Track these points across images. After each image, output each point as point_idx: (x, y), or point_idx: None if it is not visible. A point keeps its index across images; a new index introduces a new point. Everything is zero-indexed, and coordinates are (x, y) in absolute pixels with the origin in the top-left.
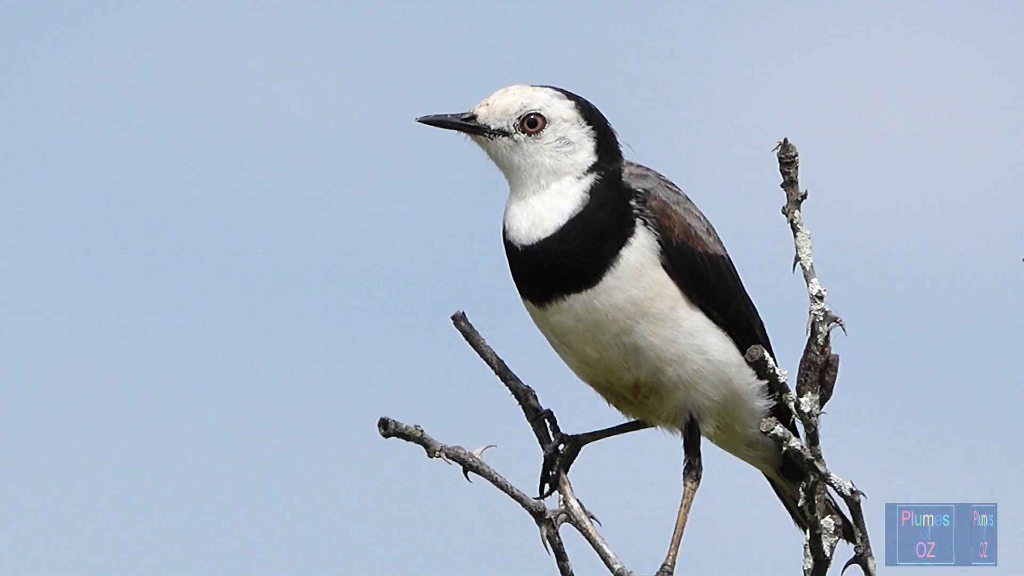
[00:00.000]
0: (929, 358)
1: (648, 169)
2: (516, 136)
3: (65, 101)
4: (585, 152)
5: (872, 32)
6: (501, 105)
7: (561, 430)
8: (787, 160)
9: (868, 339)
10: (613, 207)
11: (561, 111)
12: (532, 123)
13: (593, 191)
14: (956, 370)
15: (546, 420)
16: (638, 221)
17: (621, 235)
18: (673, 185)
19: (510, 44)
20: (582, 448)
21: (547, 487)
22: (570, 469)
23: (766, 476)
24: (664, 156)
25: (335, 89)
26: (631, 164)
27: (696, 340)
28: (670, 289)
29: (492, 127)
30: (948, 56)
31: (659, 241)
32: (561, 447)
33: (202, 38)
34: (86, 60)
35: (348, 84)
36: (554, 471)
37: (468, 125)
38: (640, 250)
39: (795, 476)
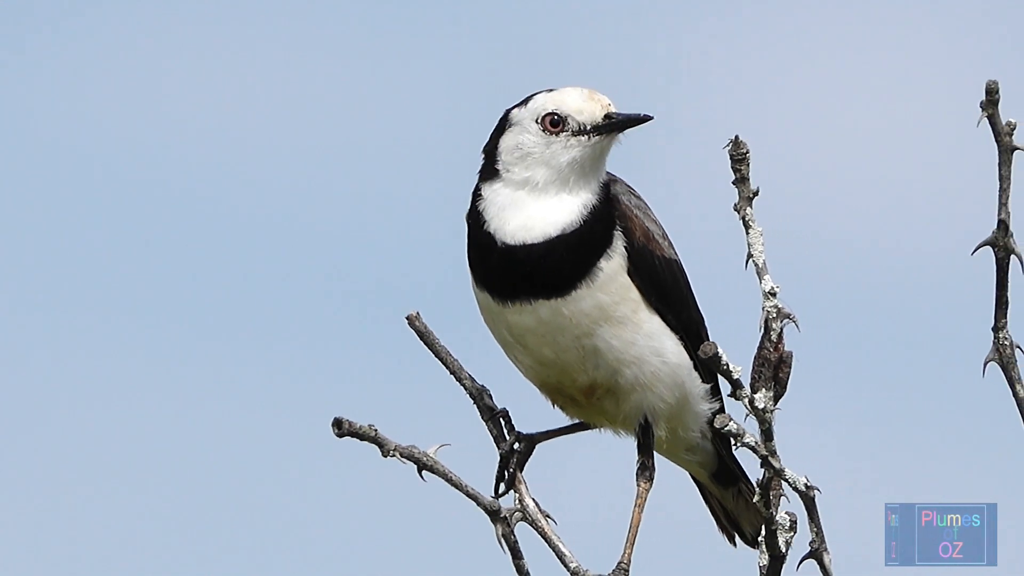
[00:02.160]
0: (880, 353)
1: (610, 173)
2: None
3: (46, 101)
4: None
5: (823, 29)
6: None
7: (516, 429)
8: (738, 157)
9: (822, 336)
10: (603, 224)
11: None
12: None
13: (594, 209)
14: (907, 367)
15: (501, 419)
16: (615, 230)
17: (603, 248)
18: (633, 189)
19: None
20: (537, 446)
21: (503, 486)
22: (525, 467)
23: (697, 481)
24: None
25: (295, 92)
26: None
27: (654, 343)
28: (633, 293)
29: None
30: (898, 52)
31: (625, 246)
32: (517, 445)
33: (162, 39)
34: (66, 61)
35: (308, 88)
36: (510, 469)
37: (640, 118)
38: (616, 258)
39: (727, 482)
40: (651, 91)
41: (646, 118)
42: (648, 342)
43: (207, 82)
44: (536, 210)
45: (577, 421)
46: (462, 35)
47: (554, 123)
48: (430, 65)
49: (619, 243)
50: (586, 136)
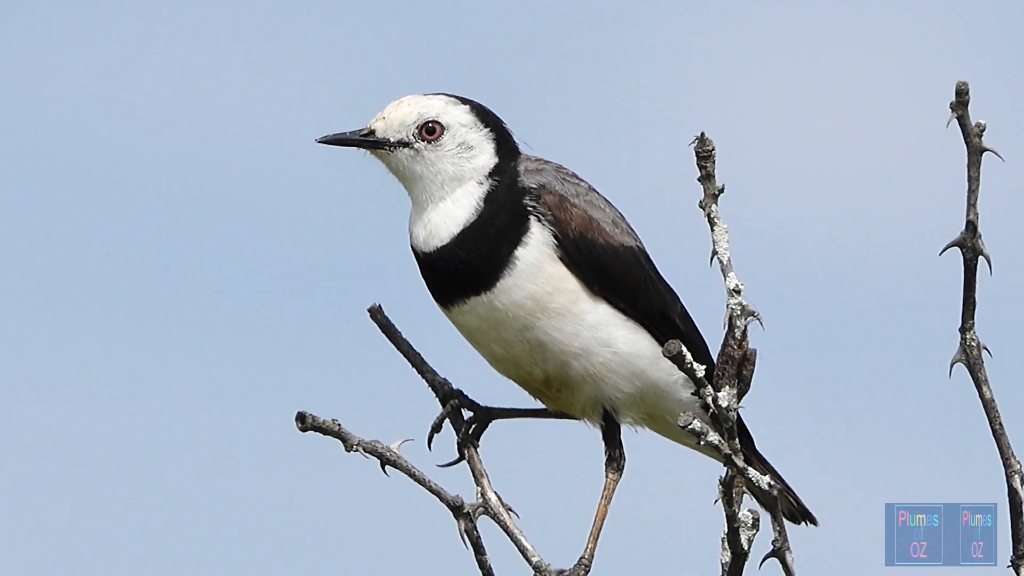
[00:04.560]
0: (845, 353)
1: (547, 162)
2: (416, 145)
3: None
4: (486, 155)
5: (792, 29)
6: (398, 117)
7: (474, 402)
8: (704, 154)
9: (787, 334)
10: (509, 210)
11: (458, 116)
12: (431, 131)
13: (489, 197)
14: (872, 367)
15: (455, 402)
16: (532, 218)
17: (516, 236)
18: (575, 177)
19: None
20: (492, 422)
21: (455, 457)
22: (480, 438)
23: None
24: (586, 151)
25: (253, 85)
26: (529, 159)
27: (600, 333)
28: (569, 283)
29: (392, 140)
30: (867, 52)
31: (555, 236)
32: (453, 402)
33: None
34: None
35: (265, 80)
36: (460, 435)
37: (368, 140)
38: (536, 247)
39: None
40: (617, 88)
41: (362, 140)
42: (593, 333)
43: (161, 74)
44: (433, 217)
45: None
46: (437, 30)
47: None
48: (401, 58)
49: (539, 232)
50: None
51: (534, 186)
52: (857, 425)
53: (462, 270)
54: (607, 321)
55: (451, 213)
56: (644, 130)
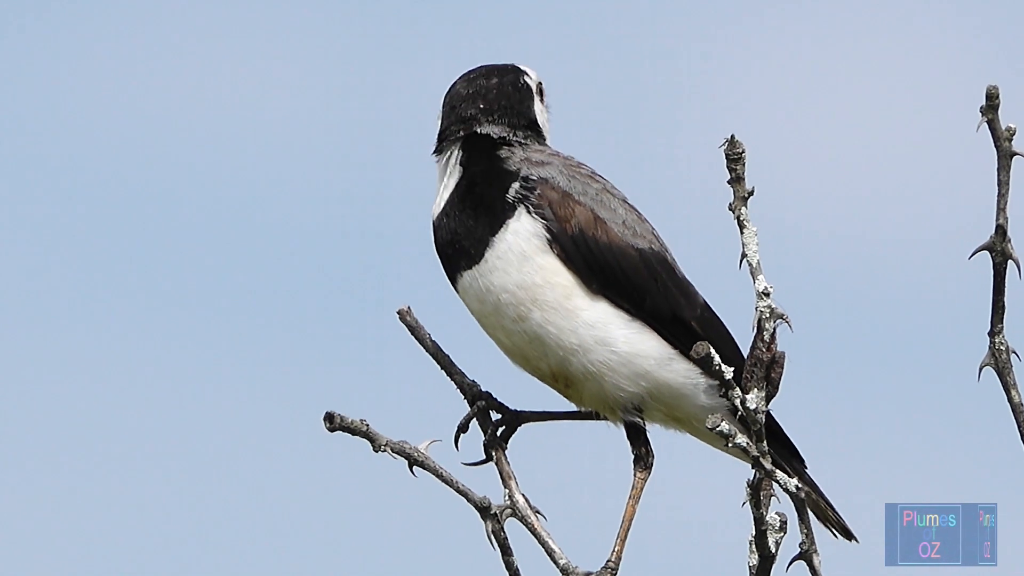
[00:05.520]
0: (875, 357)
1: (557, 155)
2: None
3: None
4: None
5: (823, 32)
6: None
7: (503, 405)
8: (734, 157)
9: (816, 337)
10: (496, 187)
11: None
12: None
13: (484, 170)
14: (902, 370)
15: (483, 403)
16: (521, 207)
17: (499, 215)
18: (592, 175)
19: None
20: (522, 425)
21: (484, 455)
22: (508, 441)
23: None
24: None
25: (281, 81)
26: (541, 149)
27: (598, 332)
28: (561, 277)
29: None
30: (898, 56)
31: (548, 229)
32: (480, 404)
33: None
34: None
35: (298, 77)
36: (487, 436)
37: None
38: (523, 235)
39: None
40: (647, 90)
41: None
42: (590, 331)
43: (188, 79)
44: (442, 188)
45: (584, 410)
46: (452, 29)
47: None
48: (426, 56)
49: (528, 222)
50: None
51: (533, 177)
52: (882, 428)
53: (448, 239)
54: (606, 320)
55: (449, 181)
56: (675, 132)
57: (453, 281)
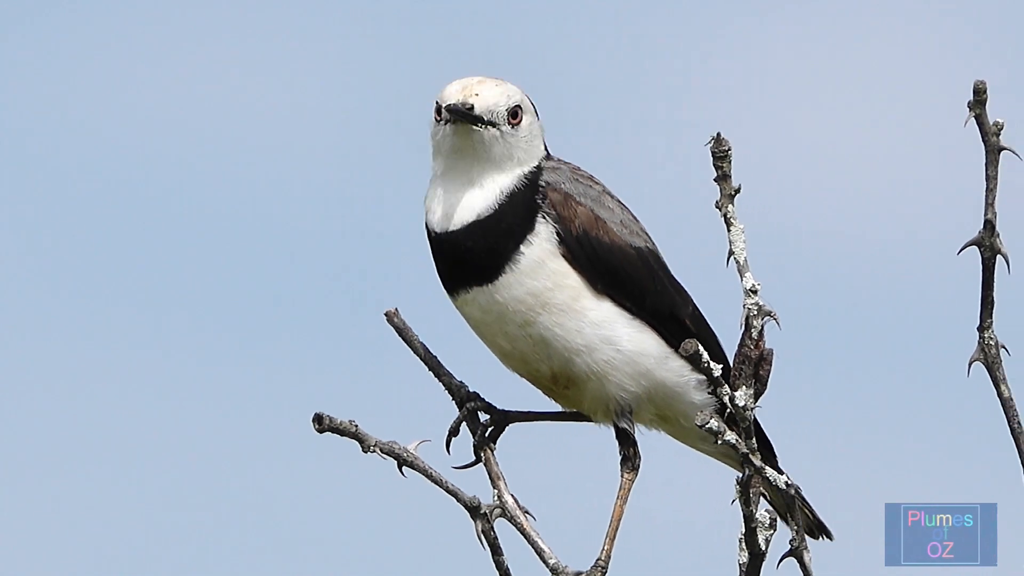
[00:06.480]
0: (863, 353)
1: (564, 163)
2: (503, 128)
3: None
4: (540, 144)
5: (810, 27)
6: (492, 97)
7: (491, 405)
8: (720, 154)
9: (804, 334)
10: (523, 207)
11: (529, 105)
12: (514, 115)
13: (514, 190)
14: (890, 366)
15: (471, 404)
16: (538, 215)
17: (523, 233)
18: (590, 179)
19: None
20: (510, 425)
21: (472, 459)
22: (497, 441)
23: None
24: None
25: (267, 85)
26: (551, 158)
27: (604, 331)
28: (571, 279)
29: (485, 118)
30: (884, 50)
31: (558, 232)
32: (471, 405)
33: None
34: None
35: (283, 80)
36: (476, 438)
37: (471, 115)
38: (539, 244)
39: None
40: (633, 89)
41: (466, 113)
42: (596, 330)
43: (178, 80)
44: (456, 199)
45: (570, 411)
46: (439, 29)
47: (437, 111)
48: (412, 58)
49: (544, 229)
50: (445, 124)
51: (542, 183)
52: (872, 424)
53: (467, 259)
54: (611, 319)
55: (473, 201)
56: (661, 129)
57: (453, 291)
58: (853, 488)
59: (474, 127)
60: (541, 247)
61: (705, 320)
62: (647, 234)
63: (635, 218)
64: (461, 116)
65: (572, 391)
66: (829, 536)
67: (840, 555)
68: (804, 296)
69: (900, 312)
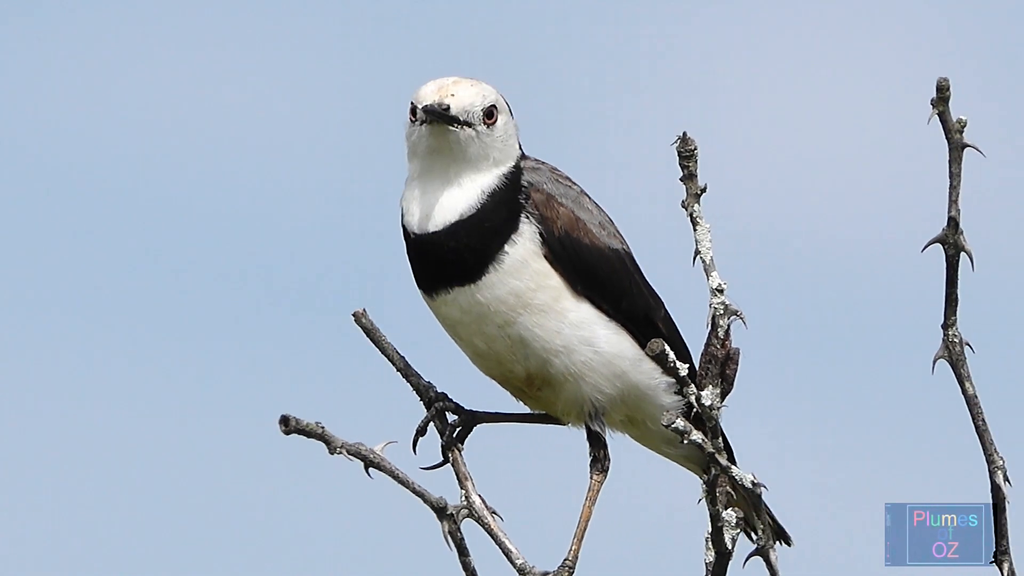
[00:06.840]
0: (827, 351)
1: (543, 163)
2: (479, 128)
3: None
4: (515, 143)
5: (772, 25)
6: (468, 97)
7: (459, 405)
8: (686, 154)
9: (770, 333)
10: (506, 208)
11: (504, 104)
12: (489, 115)
13: (495, 191)
14: (854, 364)
15: (439, 404)
16: (522, 215)
17: (507, 233)
18: (568, 180)
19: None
20: (478, 426)
21: (439, 460)
22: (464, 441)
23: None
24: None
25: (238, 86)
26: (528, 158)
27: (583, 332)
28: (552, 280)
29: (460, 118)
30: (848, 49)
31: (540, 233)
32: (438, 406)
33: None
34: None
35: (254, 83)
36: (444, 439)
37: (447, 115)
38: (523, 244)
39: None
40: (602, 87)
41: (443, 114)
42: (575, 331)
43: (153, 80)
44: (435, 200)
45: (538, 412)
46: (414, 30)
47: (412, 112)
48: (381, 59)
49: (528, 229)
50: (421, 125)
51: (524, 183)
52: (841, 424)
53: (449, 259)
54: (590, 320)
55: (453, 201)
56: (626, 129)
57: (431, 291)
58: (853, 488)
59: (450, 127)
60: (525, 247)
61: (675, 323)
62: (621, 236)
63: (611, 220)
64: (437, 117)
65: (546, 392)
66: (788, 542)
67: (840, 555)
68: (769, 295)
69: (865, 309)
